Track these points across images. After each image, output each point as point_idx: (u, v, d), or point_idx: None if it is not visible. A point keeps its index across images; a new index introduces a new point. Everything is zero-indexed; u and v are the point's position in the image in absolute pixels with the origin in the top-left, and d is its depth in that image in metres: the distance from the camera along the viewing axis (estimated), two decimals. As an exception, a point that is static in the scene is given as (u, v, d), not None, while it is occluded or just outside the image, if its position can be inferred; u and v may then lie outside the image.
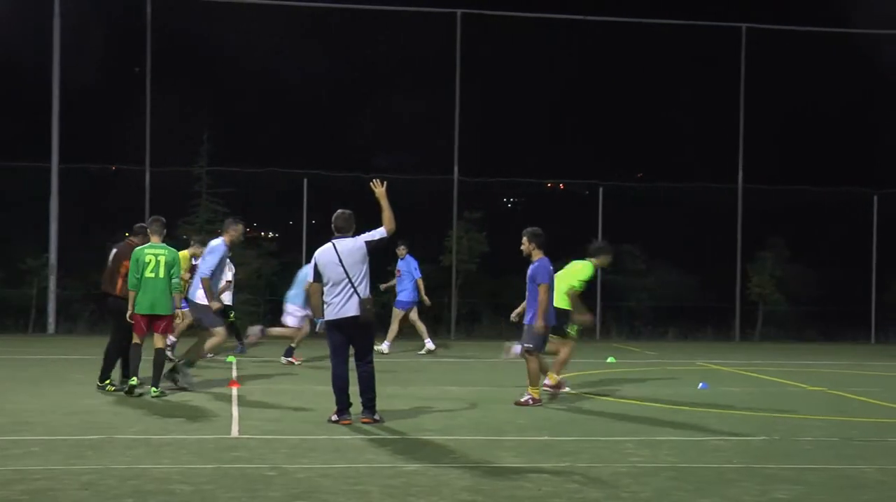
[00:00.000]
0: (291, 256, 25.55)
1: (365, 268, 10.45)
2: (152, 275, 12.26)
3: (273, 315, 25.39)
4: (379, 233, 10.51)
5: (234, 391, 12.79)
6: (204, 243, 17.50)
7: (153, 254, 12.33)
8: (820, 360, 19.87)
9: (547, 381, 12.51)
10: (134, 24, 24.41)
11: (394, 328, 18.72)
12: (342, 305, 10.33)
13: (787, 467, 8.46)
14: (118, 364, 12.83)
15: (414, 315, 18.96)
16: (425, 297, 18.99)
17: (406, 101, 27.40)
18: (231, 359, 17.14)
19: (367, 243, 10.47)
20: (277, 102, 27.63)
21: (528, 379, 12.13)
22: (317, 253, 10.61)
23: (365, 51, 26.68)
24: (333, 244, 10.49)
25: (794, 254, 26.52)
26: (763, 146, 27.23)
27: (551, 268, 12.06)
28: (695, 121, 28.11)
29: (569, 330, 13.02)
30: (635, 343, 24.20)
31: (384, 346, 18.17)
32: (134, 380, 12.20)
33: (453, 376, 15.64)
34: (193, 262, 16.63)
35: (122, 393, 12.35)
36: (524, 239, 12.19)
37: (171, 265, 12.38)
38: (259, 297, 25.21)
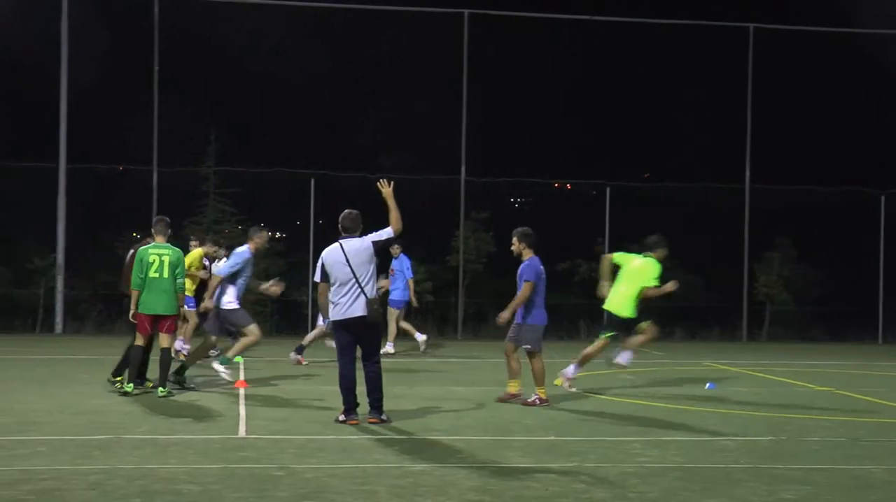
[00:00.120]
0: (298, 256, 25.59)
1: (372, 268, 10.45)
2: (156, 275, 12.27)
3: (279, 315, 25.50)
4: (386, 234, 10.52)
5: (242, 391, 12.80)
6: (216, 243, 17.60)
7: (157, 255, 12.34)
8: (827, 360, 19.83)
9: (535, 397, 12.33)
10: (141, 24, 24.46)
11: (392, 328, 18.66)
12: (349, 305, 10.33)
13: (795, 467, 8.45)
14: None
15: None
16: (413, 298, 18.97)
17: (412, 101, 27.42)
18: (239, 358, 17.14)
19: (375, 243, 10.48)
20: (284, 102, 27.66)
21: (535, 380, 12.13)
22: (324, 253, 10.62)
23: (371, 51, 26.69)
24: (340, 244, 10.49)
25: (802, 254, 26.47)
26: (770, 146, 27.17)
27: (541, 268, 12.09)
28: (702, 121, 28.07)
29: (603, 333, 13.49)
30: (642, 343, 24.14)
31: (388, 347, 18.17)
32: (130, 387, 12.20)
33: (460, 376, 15.63)
34: (206, 262, 16.68)
35: (134, 393, 12.35)
36: (514, 239, 12.24)
37: (176, 265, 12.39)
38: (266, 298, 25.21)
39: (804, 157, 28.18)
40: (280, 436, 9.54)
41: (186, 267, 15.91)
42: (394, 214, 10.51)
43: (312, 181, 24.62)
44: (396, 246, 18.57)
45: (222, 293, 13.30)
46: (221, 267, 13.41)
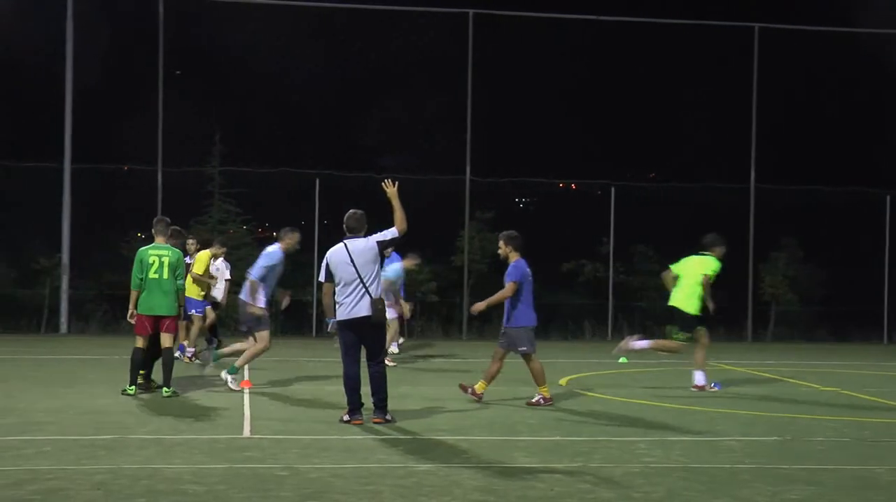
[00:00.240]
0: (303, 256, 25.56)
1: (377, 268, 10.46)
2: (156, 275, 12.27)
3: (284, 315, 25.46)
4: (391, 234, 10.52)
5: (247, 391, 12.81)
6: (224, 243, 17.64)
7: (157, 255, 12.34)
8: (832, 361, 19.80)
9: (475, 388, 12.30)
10: (146, 24, 24.47)
11: (393, 327, 18.53)
12: (354, 305, 10.33)
13: (800, 467, 8.43)
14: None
15: None
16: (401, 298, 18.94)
17: (417, 102, 27.42)
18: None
19: (379, 243, 10.48)
20: (289, 103, 27.68)
21: (535, 380, 12.13)
22: (329, 253, 10.62)
23: (376, 51, 26.68)
24: (345, 244, 10.49)
25: (807, 255, 26.43)
26: (775, 146, 27.13)
27: (528, 270, 12.12)
28: (707, 121, 28.03)
29: (675, 334, 13.73)
30: (647, 343, 24.11)
31: (393, 347, 18.14)
32: (132, 390, 12.21)
33: (465, 376, 15.59)
34: (213, 263, 16.70)
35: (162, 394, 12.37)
36: (500, 242, 12.31)
37: (175, 266, 12.38)
38: (271, 297, 25.21)
39: (809, 157, 28.13)
40: (285, 436, 9.55)
41: (200, 271, 15.98)
42: (398, 214, 10.50)
43: (317, 181, 24.62)
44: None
45: (247, 289, 13.18)
46: (252, 269, 13.27)
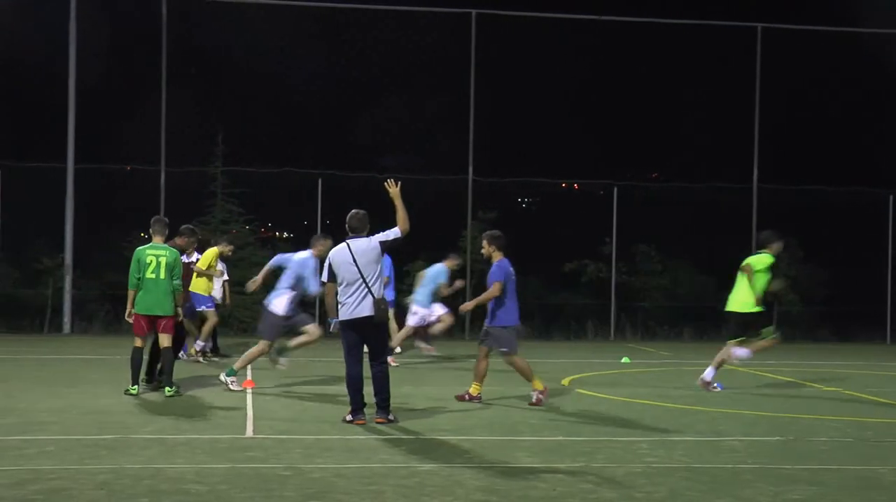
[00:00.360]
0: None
1: (379, 268, 10.47)
2: (153, 275, 12.29)
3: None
4: (393, 233, 10.52)
5: (249, 391, 12.82)
6: (231, 242, 17.69)
7: (154, 255, 12.36)
8: (835, 361, 19.79)
9: (535, 394, 12.32)
10: (148, 25, 24.49)
11: (392, 326, 18.51)
12: (356, 305, 10.34)
13: (802, 468, 8.43)
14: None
15: None
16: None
17: (420, 101, 27.41)
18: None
19: (382, 243, 10.49)
20: (291, 103, 27.66)
21: (524, 378, 12.15)
22: (331, 253, 10.64)
23: (379, 51, 26.66)
24: (348, 244, 10.51)
25: (809, 254, 26.41)
26: (778, 146, 27.12)
27: (511, 269, 12.14)
28: (709, 120, 28.01)
29: (764, 334, 13.71)
30: (650, 343, 24.15)
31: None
32: (135, 390, 12.23)
33: (467, 376, 15.60)
34: (219, 262, 16.74)
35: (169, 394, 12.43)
36: (484, 242, 12.35)
37: (173, 267, 12.39)
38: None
39: (812, 157, 28.11)
40: (287, 436, 9.55)
41: (203, 266, 16.01)
42: (401, 214, 10.51)
43: (320, 181, 24.64)
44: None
45: (277, 295, 13.15)
46: (284, 277, 13.21)
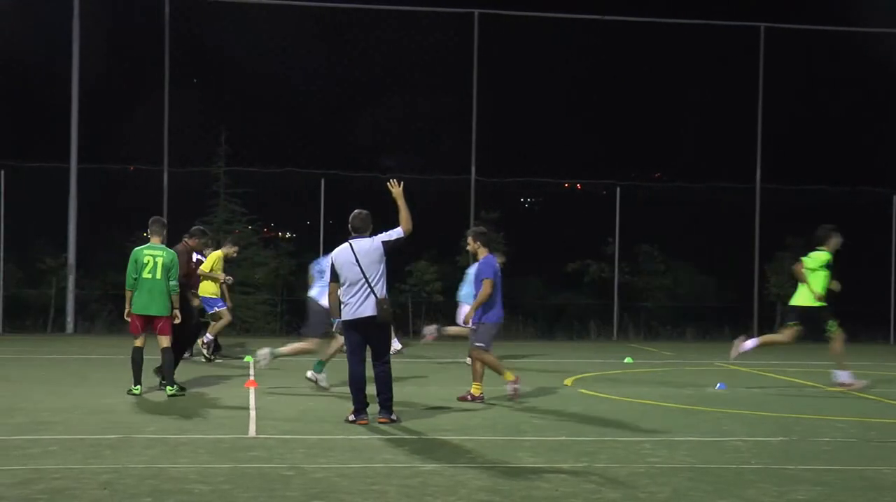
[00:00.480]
0: (309, 256, 25.58)
1: (382, 268, 10.47)
2: (149, 275, 12.31)
3: (290, 315, 25.49)
4: (396, 233, 10.53)
5: (252, 391, 12.82)
6: (235, 243, 17.70)
7: (151, 255, 12.38)
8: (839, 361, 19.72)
9: (510, 387, 12.30)
10: (152, 25, 24.50)
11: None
12: (359, 305, 10.34)
13: (806, 468, 8.42)
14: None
15: None
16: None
17: (423, 101, 27.41)
18: (249, 358, 17.18)
19: (385, 243, 10.49)
20: (294, 103, 27.67)
21: (496, 372, 12.22)
22: (334, 253, 10.65)
23: (382, 51, 26.66)
24: (350, 244, 10.51)
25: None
26: (781, 146, 27.10)
27: (497, 265, 12.18)
28: (712, 120, 28.00)
29: (829, 327, 14.04)
30: (653, 343, 24.14)
31: (394, 343, 18.06)
32: (137, 390, 12.24)
33: (470, 376, 15.61)
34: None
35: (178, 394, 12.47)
36: (469, 238, 12.38)
37: (169, 267, 12.40)
38: (276, 297, 25.28)
39: (815, 157, 28.08)
40: (290, 436, 9.56)
41: (208, 269, 16.02)
42: (403, 214, 10.51)
43: (323, 181, 24.64)
44: None
45: (322, 293, 13.13)
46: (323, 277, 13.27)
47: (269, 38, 26.27)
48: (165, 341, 12.52)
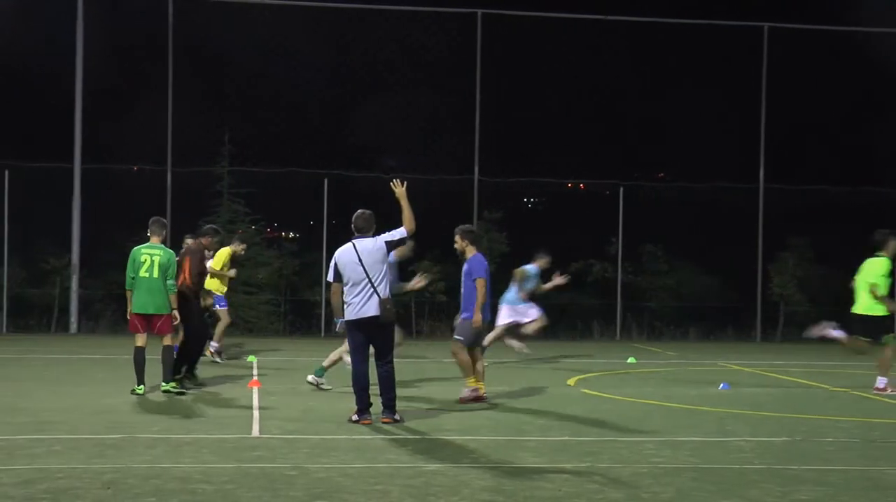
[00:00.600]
0: (312, 256, 25.64)
1: (385, 268, 10.47)
2: (146, 274, 12.35)
3: (293, 315, 25.52)
4: (399, 233, 10.53)
5: (255, 390, 12.83)
6: (245, 240, 17.71)
7: (149, 254, 12.43)
8: (842, 361, 19.73)
9: (467, 390, 12.26)
10: (155, 25, 24.52)
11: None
12: (362, 305, 10.34)
13: (810, 468, 8.42)
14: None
15: None
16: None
17: (426, 101, 27.42)
18: (252, 358, 17.20)
19: (388, 243, 10.49)
20: (297, 103, 27.70)
21: (462, 371, 12.20)
22: (337, 253, 10.64)
23: (385, 51, 26.70)
24: (353, 244, 10.51)
25: (817, 255, 26.37)
26: (785, 146, 27.09)
27: (486, 263, 12.21)
28: (716, 120, 27.99)
29: (885, 340, 13.88)
30: (656, 343, 24.13)
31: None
32: (140, 389, 12.26)
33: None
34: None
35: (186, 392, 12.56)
36: (457, 237, 12.36)
37: (167, 266, 12.43)
38: (280, 297, 25.31)
39: (819, 157, 28.08)
40: (293, 436, 9.56)
41: (218, 267, 16.02)
42: (406, 214, 10.51)
43: (326, 181, 24.66)
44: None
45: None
46: None
47: (273, 38, 26.31)
48: (167, 339, 12.58)
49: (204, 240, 13.88)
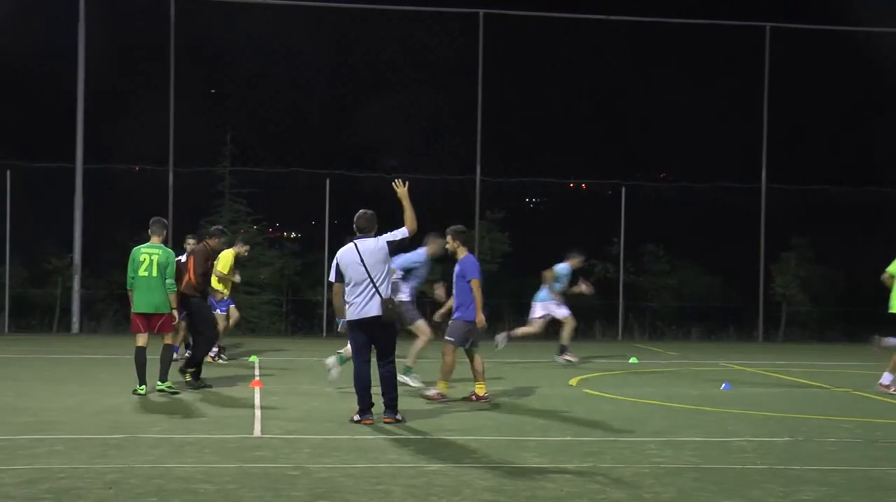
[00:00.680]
0: (314, 256, 25.65)
1: (387, 268, 10.47)
2: (145, 274, 12.39)
3: (295, 315, 25.54)
4: (401, 233, 10.52)
5: (257, 391, 12.84)
6: (246, 241, 17.72)
7: (147, 254, 12.47)
8: (844, 361, 19.74)
9: (434, 391, 12.28)
10: (157, 25, 24.54)
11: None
12: (364, 305, 10.34)
13: (812, 468, 8.41)
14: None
15: None
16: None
17: (427, 101, 27.43)
18: (254, 358, 17.21)
19: (389, 243, 10.49)
20: (299, 103, 27.71)
21: (441, 372, 12.20)
22: (339, 253, 10.64)
23: (386, 51, 26.70)
24: (355, 244, 10.51)
25: (818, 255, 26.36)
26: (787, 146, 27.08)
27: (478, 263, 12.24)
28: (718, 120, 27.99)
29: None
30: (658, 343, 24.13)
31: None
32: (143, 389, 12.28)
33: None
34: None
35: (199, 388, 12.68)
36: (448, 237, 12.34)
37: (165, 265, 12.45)
38: (281, 297, 25.31)
39: (821, 157, 28.06)
40: (295, 436, 9.56)
41: (221, 268, 16.02)
42: (408, 214, 10.51)
43: (327, 181, 24.66)
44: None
45: (395, 289, 13.16)
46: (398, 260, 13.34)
47: (275, 37, 26.32)
48: (168, 338, 12.63)
49: (211, 242, 13.90)
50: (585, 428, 10.44)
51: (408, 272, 13.38)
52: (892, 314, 14.20)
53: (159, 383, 12.42)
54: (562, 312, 17.42)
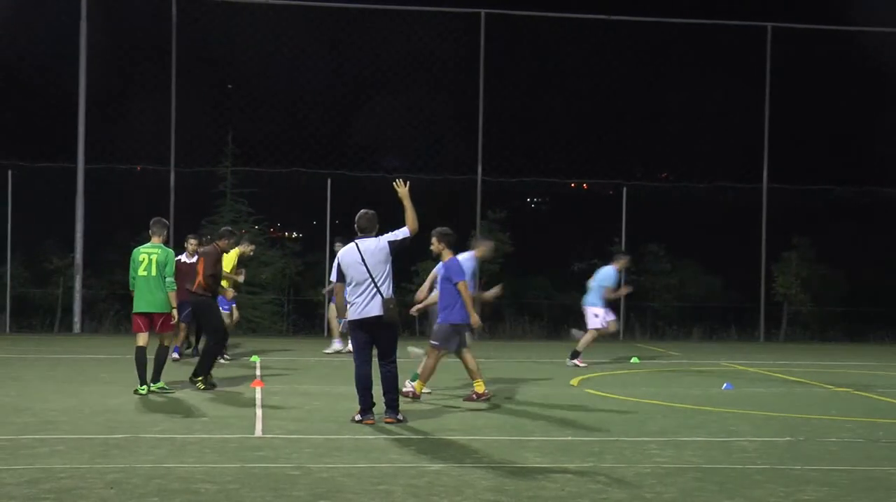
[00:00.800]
0: (315, 256, 25.65)
1: (388, 267, 10.47)
2: (145, 273, 12.43)
3: (297, 315, 25.52)
4: (402, 233, 10.53)
5: (258, 391, 12.84)
6: (252, 241, 17.71)
7: (147, 253, 12.51)
8: (846, 361, 19.74)
9: (410, 385, 12.24)
10: (159, 25, 24.53)
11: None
12: (365, 305, 10.35)
13: (813, 468, 8.41)
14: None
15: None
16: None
17: (429, 101, 27.41)
18: (255, 358, 17.21)
19: (391, 243, 10.49)
20: (300, 103, 27.69)
21: (422, 374, 12.18)
22: (340, 253, 10.65)
23: (387, 51, 26.69)
24: (356, 244, 10.51)
25: (820, 255, 26.36)
26: (788, 145, 27.06)
27: (462, 264, 12.21)
28: (719, 120, 27.97)
29: None
30: (659, 343, 24.12)
31: (336, 344, 17.95)
32: (143, 389, 12.29)
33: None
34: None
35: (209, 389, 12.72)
36: (433, 239, 12.30)
37: (164, 265, 12.48)
38: (283, 297, 25.31)
39: (822, 157, 28.04)
40: (297, 436, 9.56)
41: (226, 268, 16.02)
42: (409, 214, 10.51)
43: (329, 181, 24.65)
44: (339, 243, 16.63)
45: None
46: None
47: (276, 37, 26.30)
48: (167, 339, 12.65)
49: (220, 243, 13.89)
50: (587, 428, 10.44)
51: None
52: None
53: (152, 384, 12.43)
54: (608, 318, 17.39)
